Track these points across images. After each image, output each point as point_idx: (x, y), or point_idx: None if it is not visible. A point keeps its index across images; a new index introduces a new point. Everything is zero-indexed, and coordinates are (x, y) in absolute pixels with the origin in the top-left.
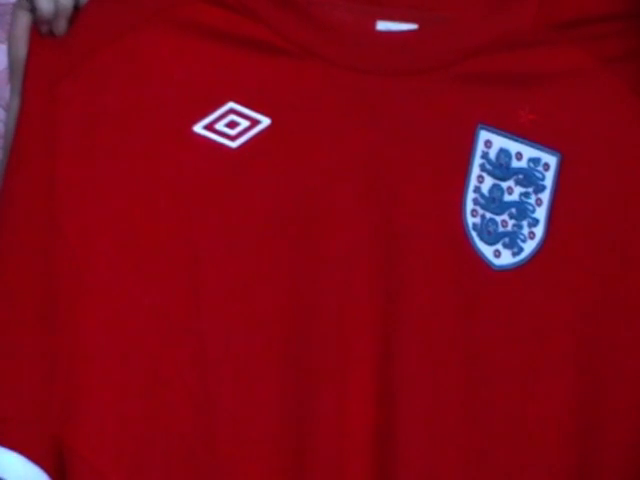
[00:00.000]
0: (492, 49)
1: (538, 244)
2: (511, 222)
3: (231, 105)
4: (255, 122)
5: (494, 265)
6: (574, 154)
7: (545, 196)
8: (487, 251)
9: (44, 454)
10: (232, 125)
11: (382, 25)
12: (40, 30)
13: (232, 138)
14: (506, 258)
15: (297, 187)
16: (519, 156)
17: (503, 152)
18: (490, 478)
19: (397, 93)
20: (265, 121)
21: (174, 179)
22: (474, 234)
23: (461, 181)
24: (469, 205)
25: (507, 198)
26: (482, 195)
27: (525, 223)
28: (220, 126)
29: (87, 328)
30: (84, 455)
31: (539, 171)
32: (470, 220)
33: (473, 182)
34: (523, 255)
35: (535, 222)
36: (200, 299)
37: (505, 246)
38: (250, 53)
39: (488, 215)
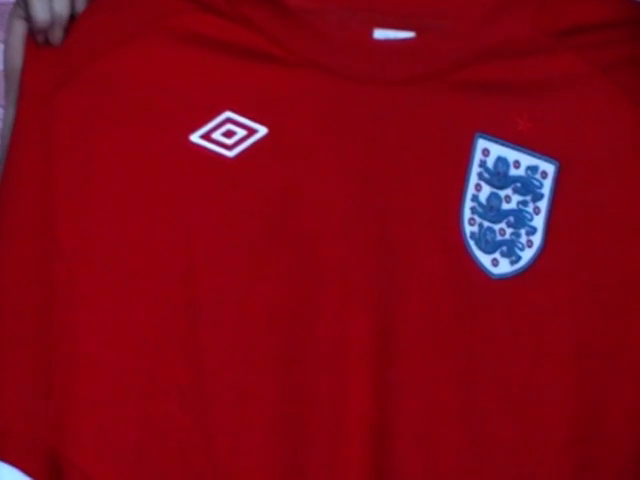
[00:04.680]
0: (490, 57)
1: (536, 252)
2: (509, 230)
3: (228, 114)
4: (252, 131)
5: (492, 274)
6: (572, 162)
7: (543, 204)
8: (485, 260)
9: (40, 467)
10: (229, 134)
11: (379, 33)
12: (36, 39)
13: (229, 147)
14: (504, 267)
15: (294, 196)
16: (517, 164)
17: (501, 160)
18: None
19: (394, 102)
20: (262, 130)
21: (171, 189)
22: (472, 243)
23: (459, 190)
24: (467, 214)
25: (505, 206)
26: (480, 204)
27: (523, 231)
28: (217, 135)
29: (83, 339)
30: (81, 466)
31: (537, 179)
32: (468, 229)
33: (471, 191)
34: (521, 264)
35: (533, 230)
36: (196, 308)
37: (503, 255)
38: (247, 62)
39: (486, 224)
